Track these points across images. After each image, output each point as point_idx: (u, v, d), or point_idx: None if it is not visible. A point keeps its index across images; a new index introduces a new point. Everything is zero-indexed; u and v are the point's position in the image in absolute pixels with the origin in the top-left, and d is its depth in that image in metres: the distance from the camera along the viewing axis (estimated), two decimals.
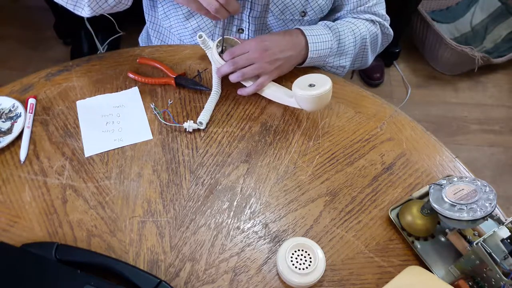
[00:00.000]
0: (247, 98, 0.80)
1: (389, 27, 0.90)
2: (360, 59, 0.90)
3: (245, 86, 0.79)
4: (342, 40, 0.82)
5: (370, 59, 0.92)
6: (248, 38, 0.87)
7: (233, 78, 0.77)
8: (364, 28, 0.85)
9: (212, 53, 0.78)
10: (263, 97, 0.80)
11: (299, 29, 0.79)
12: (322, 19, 0.91)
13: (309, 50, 0.78)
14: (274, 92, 0.77)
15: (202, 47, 0.79)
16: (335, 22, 0.84)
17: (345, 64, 0.85)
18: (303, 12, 0.84)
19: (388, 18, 0.90)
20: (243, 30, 0.86)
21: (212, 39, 0.86)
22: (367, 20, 0.86)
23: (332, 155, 0.74)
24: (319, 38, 0.79)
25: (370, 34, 0.86)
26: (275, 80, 0.79)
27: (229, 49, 0.78)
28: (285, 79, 0.82)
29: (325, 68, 0.86)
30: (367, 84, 1.90)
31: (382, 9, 0.89)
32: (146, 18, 0.94)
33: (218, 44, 0.78)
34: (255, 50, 0.75)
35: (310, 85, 0.70)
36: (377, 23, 0.87)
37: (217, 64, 0.77)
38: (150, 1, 0.90)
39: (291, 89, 0.73)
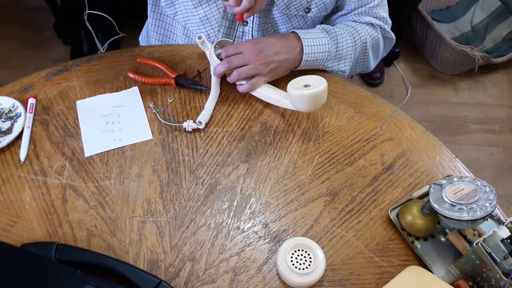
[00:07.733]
0: (247, 98, 0.80)
1: (390, 30, 0.89)
2: (361, 64, 0.89)
3: None
4: (340, 44, 0.81)
5: (373, 63, 0.92)
6: (252, 31, 0.87)
7: (230, 78, 0.78)
8: (364, 32, 0.84)
9: (210, 54, 0.79)
10: None
11: (295, 33, 0.79)
12: (325, 18, 0.91)
13: (304, 53, 0.78)
14: (269, 94, 0.77)
15: (201, 48, 0.80)
16: (334, 26, 0.84)
17: (345, 68, 0.84)
18: (307, 8, 0.83)
19: (389, 21, 0.89)
20: (247, 22, 0.86)
21: (216, 32, 0.87)
22: (367, 23, 0.86)
23: (332, 155, 0.74)
24: (315, 42, 0.79)
25: (371, 38, 0.85)
26: (271, 83, 0.79)
27: (224, 48, 0.78)
28: (282, 82, 0.82)
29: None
30: (367, 83, 1.90)
31: (383, 11, 0.87)
32: (148, 8, 0.93)
33: (217, 46, 0.81)
34: (251, 51, 0.75)
35: (306, 86, 0.69)
36: (377, 27, 0.86)
37: (215, 65, 0.78)
38: None
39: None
